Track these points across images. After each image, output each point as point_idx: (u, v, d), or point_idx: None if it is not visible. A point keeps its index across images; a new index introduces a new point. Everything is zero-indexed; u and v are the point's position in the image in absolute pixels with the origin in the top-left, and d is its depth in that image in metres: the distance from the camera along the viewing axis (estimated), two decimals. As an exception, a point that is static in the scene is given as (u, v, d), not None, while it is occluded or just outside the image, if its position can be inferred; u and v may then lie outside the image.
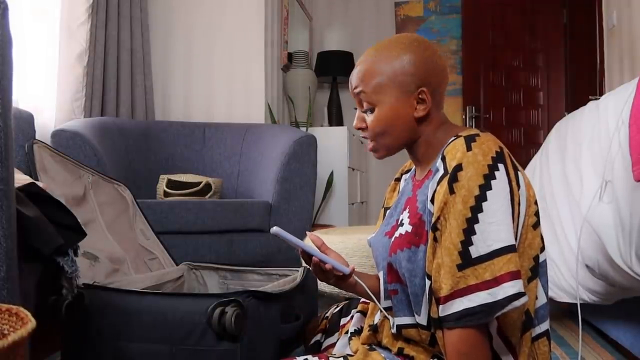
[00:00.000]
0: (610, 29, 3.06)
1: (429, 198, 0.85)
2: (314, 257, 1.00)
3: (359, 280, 1.01)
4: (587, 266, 1.37)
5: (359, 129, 0.99)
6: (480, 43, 3.95)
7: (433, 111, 0.94)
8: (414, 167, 1.05)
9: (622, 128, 1.22)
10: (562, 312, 2.12)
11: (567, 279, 1.53)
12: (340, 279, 1.02)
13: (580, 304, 1.57)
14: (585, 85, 3.63)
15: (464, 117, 3.98)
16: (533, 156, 2.10)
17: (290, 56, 3.81)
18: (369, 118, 0.96)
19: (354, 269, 1.02)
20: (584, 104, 1.73)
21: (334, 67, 4.03)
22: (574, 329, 1.88)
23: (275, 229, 0.96)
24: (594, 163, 1.40)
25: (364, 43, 4.27)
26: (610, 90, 1.88)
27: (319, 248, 1.04)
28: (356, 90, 0.96)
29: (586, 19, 3.68)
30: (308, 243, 1.05)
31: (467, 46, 3.97)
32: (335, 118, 3.98)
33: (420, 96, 0.92)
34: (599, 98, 1.62)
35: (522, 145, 3.95)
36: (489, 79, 3.99)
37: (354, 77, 0.97)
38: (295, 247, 1.01)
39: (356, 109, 1.00)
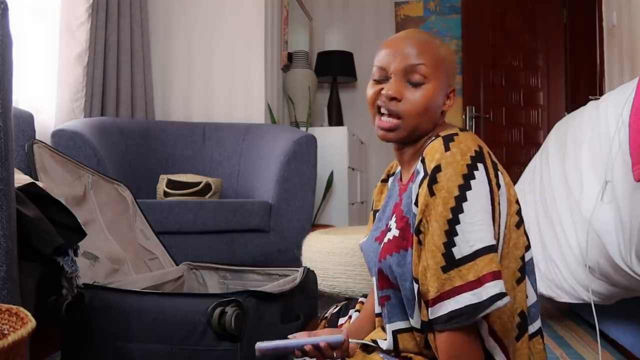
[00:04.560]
0: (610, 28, 3.06)
1: (414, 201, 0.84)
2: (306, 346, 0.92)
3: (355, 341, 1.00)
4: (587, 266, 1.37)
5: (392, 98, 0.90)
6: (480, 43, 3.95)
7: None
8: (399, 168, 1.04)
9: (622, 128, 1.22)
10: (562, 312, 2.12)
11: (567, 279, 1.53)
12: (342, 346, 0.95)
13: (580, 304, 1.58)
14: (585, 85, 3.63)
15: (464, 117, 3.98)
16: (533, 156, 2.10)
17: (290, 56, 3.81)
18: (413, 93, 0.89)
19: (347, 335, 0.96)
20: (584, 104, 1.72)
21: (334, 67, 4.03)
22: (573, 329, 1.88)
23: (258, 347, 0.90)
24: (594, 163, 1.40)
25: (364, 43, 4.27)
26: (610, 90, 1.88)
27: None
28: (414, 61, 0.89)
29: (586, 19, 3.68)
30: (294, 340, 1.00)
31: (467, 46, 3.97)
32: (335, 118, 3.97)
33: (449, 93, 0.94)
34: (599, 98, 1.62)
35: (522, 145, 3.95)
36: (489, 79, 3.99)
37: (411, 45, 0.90)
38: (287, 350, 0.94)
39: (376, 81, 0.93)
